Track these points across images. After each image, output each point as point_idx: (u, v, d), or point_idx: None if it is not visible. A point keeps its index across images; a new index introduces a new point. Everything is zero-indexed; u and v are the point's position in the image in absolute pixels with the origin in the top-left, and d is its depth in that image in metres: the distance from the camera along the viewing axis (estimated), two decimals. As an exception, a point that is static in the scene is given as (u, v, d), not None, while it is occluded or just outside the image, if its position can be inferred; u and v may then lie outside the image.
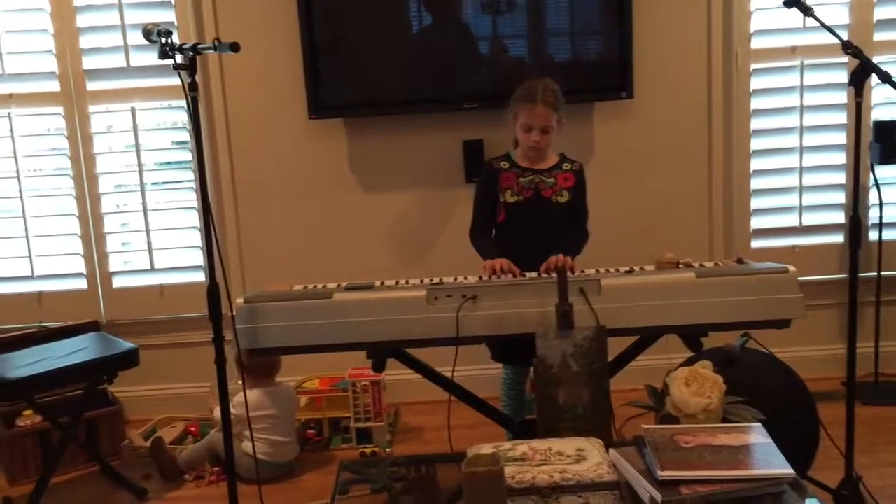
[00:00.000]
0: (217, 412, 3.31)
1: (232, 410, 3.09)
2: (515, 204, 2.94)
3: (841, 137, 3.78)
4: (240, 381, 2.90)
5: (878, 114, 3.75)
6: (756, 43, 3.73)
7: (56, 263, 3.91)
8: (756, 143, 3.81)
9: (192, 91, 2.40)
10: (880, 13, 3.72)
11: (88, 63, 3.75)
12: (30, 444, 3.42)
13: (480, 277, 2.63)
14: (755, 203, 3.86)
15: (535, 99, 2.86)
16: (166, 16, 3.69)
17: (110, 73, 3.76)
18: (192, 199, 3.84)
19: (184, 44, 2.39)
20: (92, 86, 3.77)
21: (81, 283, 3.91)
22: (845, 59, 3.52)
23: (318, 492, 3.14)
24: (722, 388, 2.05)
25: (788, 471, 1.66)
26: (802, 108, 3.76)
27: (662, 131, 3.79)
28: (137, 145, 3.81)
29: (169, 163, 3.92)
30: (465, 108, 3.63)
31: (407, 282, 2.61)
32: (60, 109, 3.78)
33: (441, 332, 2.39)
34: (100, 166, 3.84)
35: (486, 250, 2.88)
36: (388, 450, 3.49)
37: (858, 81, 2.52)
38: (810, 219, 3.87)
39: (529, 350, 2.28)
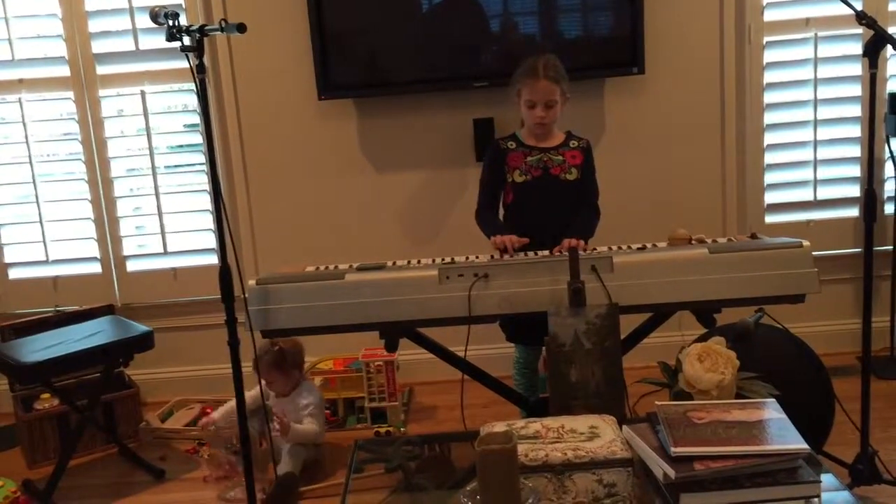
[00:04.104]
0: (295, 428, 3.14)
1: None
2: (524, 183, 2.93)
3: (856, 110, 3.73)
4: (264, 381, 3.00)
5: (894, 85, 3.70)
6: (769, 15, 3.68)
7: (70, 248, 3.93)
8: (769, 117, 3.77)
9: (200, 73, 2.39)
10: (896, -17, 3.66)
11: (97, 47, 3.74)
12: (48, 427, 3.46)
13: (492, 256, 2.63)
14: (769, 178, 3.82)
15: (537, 74, 2.84)
16: (174, -2, 3.68)
17: (120, 56, 3.76)
18: (204, 181, 3.84)
19: (191, 25, 2.38)
20: (102, 70, 3.76)
21: (96, 267, 3.93)
22: (860, 30, 3.45)
23: (334, 471, 3.17)
24: (735, 363, 2.04)
25: (803, 446, 1.66)
26: (816, 81, 3.71)
27: (674, 106, 3.76)
28: (148, 129, 3.81)
29: (181, 146, 3.92)
30: (476, 86, 3.61)
31: (419, 261, 2.61)
32: (71, 94, 3.78)
33: (453, 312, 2.40)
34: (111, 150, 3.84)
35: (492, 228, 2.87)
36: (402, 429, 3.51)
37: (873, 52, 2.49)
38: (825, 193, 3.83)
39: (542, 330, 2.28)
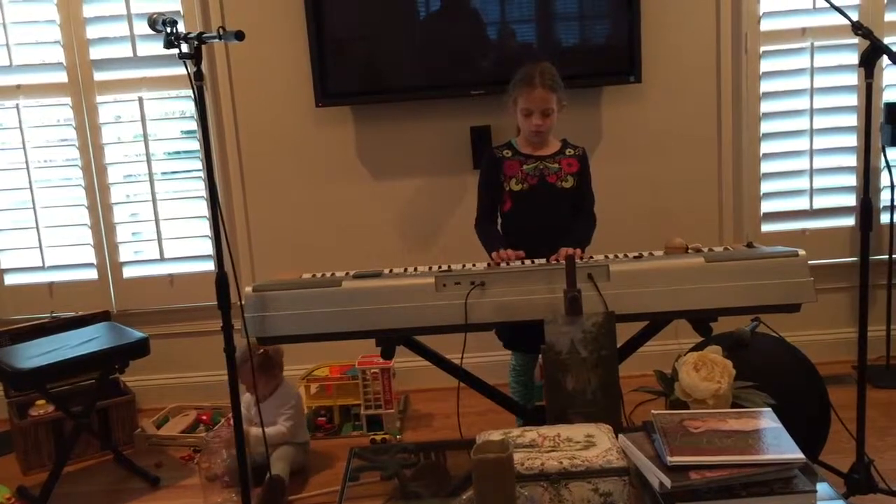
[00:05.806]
0: (253, 431, 3.05)
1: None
2: (521, 192, 2.94)
3: (852, 120, 3.75)
4: (244, 385, 2.96)
5: (890, 95, 3.72)
6: (765, 25, 3.70)
7: (67, 254, 3.92)
8: (766, 127, 3.78)
9: (197, 80, 2.39)
10: (891, -7, 3.68)
11: (95, 53, 3.74)
12: (43, 434, 3.45)
13: (489, 264, 2.63)
14: (765, 187, 3.83)
15: (533, 82, 2.85)
16: (172, 5, 3.68)
17: (117, 62, 3.76)
18: (201, 188, 3.84)
19: (189, 33, 2.39)
20: (99, 76, 3.77)
21: (92, 274, 3.92)
22: (856, 40, 3.47)
23: (329, 479, 3.16)
24: (731, 372, 2.04)
25: (799, 455, 1.66)
26: (812, 91, 3.73)
27: (671, 115, 3.77)
28: (146, 135, 3.81)
29: (178, 152, 3.92)
30: (473, 94, 3.62)
31: (415, 269, 2.61)
32: (68, 100, 3.78)
33: (449, 320, 2.39)
34: (108, 156, 3.84)
35: (491, 243, 2.88)
36: (398, 437, 3.50)
37: (869, 62, 2.50)
38: (821, 202, 3.84)
39: (539, 338, 2.28)
